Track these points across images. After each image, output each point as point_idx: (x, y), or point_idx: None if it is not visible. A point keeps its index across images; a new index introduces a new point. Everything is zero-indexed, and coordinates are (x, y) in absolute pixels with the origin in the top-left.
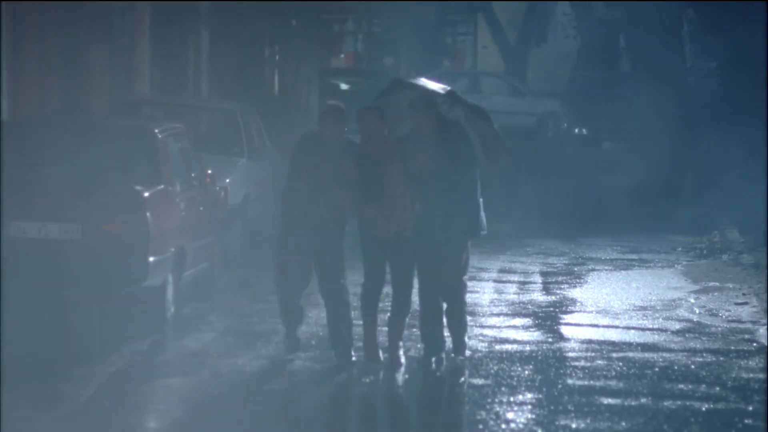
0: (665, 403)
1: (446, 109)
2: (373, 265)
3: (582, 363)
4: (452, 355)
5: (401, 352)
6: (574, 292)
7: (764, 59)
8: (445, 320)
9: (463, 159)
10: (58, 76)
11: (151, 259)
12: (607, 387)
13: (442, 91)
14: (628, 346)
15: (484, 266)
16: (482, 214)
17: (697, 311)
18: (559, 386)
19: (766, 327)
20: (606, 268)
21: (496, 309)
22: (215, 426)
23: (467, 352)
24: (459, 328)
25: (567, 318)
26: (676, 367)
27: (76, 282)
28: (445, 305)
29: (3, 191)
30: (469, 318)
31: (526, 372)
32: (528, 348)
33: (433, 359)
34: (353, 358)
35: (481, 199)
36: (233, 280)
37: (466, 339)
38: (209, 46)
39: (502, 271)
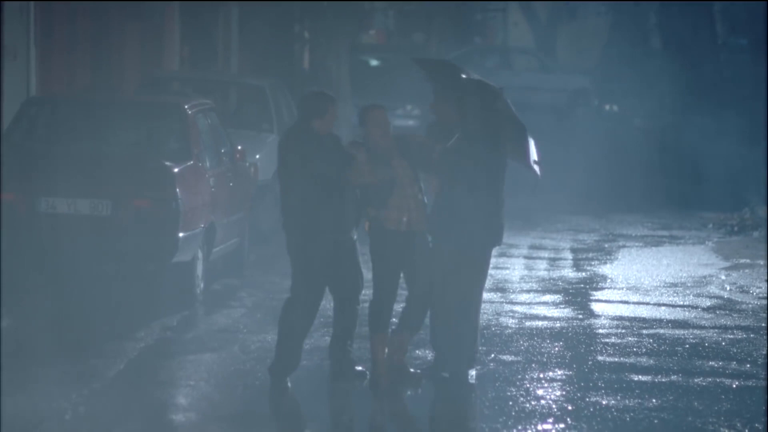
0: (696, 380)
1: (488, 106)
2: (387, 272)
3: (612, 340)
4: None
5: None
6: (605, 269)
7: None
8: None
9: (489, 157)
10: (87, 53)
11: (181, 234)
12: (638, 364)
13: (492, 90)
14: (659, 322)
15: (514, 242)
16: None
17: (728, 288)
18: (590, 363)
19: None
20: (636, 244)
21: (526, 285)
22: (244, 401)
23: (473, 372)
24: (470, 341)
25: (597, 294)
26: (706, 344)
27: (106, 258)
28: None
29: (33, 166)
30: (499, 294)
31: (556, 348)
32: (558, 324)
33: (446, 373)
34: (360, 368)
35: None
36: (263, 256)
37: (477, 350)
38: (239, 22)
39: (532, 247)
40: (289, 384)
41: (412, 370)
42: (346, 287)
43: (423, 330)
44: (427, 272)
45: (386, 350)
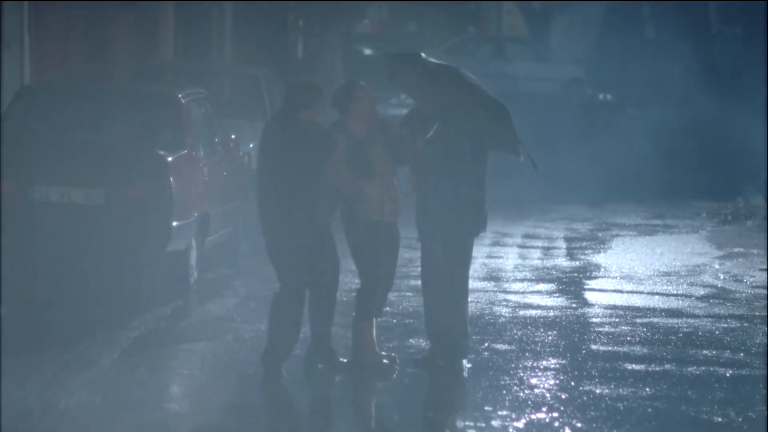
0: (689, 369)
1: (464, 94)
2: (375, 260)
3: (606, 329)
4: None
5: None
6: (599, 258)
7: None
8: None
9: (471, 145)
10: (81, 43)
11: (175, 224)
12: (631, 353)
13: (465, 76)
14: (653, 311)
15: (508, 231)
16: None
17: (722, 277)
18: (583, 352)
19: None
20: (630, 233)
21: (520, 274)
22: (238, 391)
23: (467, 364)
24: (451, 331)
25: (591, 283)
26: (700, 333)
27: (100, 247)
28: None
29: (27, 156)
30: (492, 283)
31: (550, 337)
32: (552, 313)
33: (441, 362)
34: (344, 360)
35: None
36: (257, 246)
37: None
38: (233, 11)
39: (526, 236)
40: (284, 372)
41: (384, 360)
42: (325, 274)
43: (417, 318)
44: (396, 252)
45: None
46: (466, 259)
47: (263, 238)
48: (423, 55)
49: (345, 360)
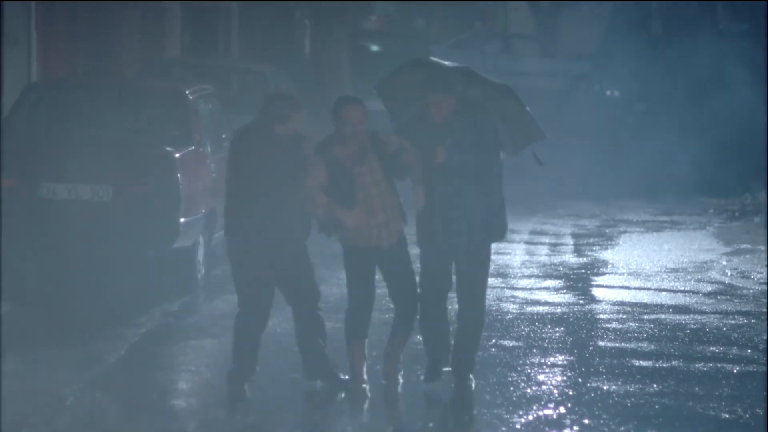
0: (697, 366)
1: (463, 89)
2: (360, 282)
3: (613, 325)
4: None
5: (400, 375)
6: (606, 254)
7: None
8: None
9: (488, 149)
10: (88, 39)
11: (182, 220)
12: (639, 349)
13: (458, 70)
14: (660, 308)
15: (515, 228)
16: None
17: (729, 273)
18: (591, 348)
19: None
20: (637, 230)
21: (527, 271)
22: (246, 387)
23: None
24: (472, 344)
25: (598, 280)
26: (707, 329)
27: (107, 243)
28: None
29: (34, 152)
30: (500, 280)
31: (558, 334)
32: (559, 310)
33: (444, 369)
34: (344, 377)
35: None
36: None
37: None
38: (239, 8)
39: (533, 232)
40: (246, 390)
41: (363, 385)
42: (300, 296)
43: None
44: (410, 273)
45: (364, 360)
46: (488, 268)
47: (227, 256)
48: (433, 58)
49: (347, 377)
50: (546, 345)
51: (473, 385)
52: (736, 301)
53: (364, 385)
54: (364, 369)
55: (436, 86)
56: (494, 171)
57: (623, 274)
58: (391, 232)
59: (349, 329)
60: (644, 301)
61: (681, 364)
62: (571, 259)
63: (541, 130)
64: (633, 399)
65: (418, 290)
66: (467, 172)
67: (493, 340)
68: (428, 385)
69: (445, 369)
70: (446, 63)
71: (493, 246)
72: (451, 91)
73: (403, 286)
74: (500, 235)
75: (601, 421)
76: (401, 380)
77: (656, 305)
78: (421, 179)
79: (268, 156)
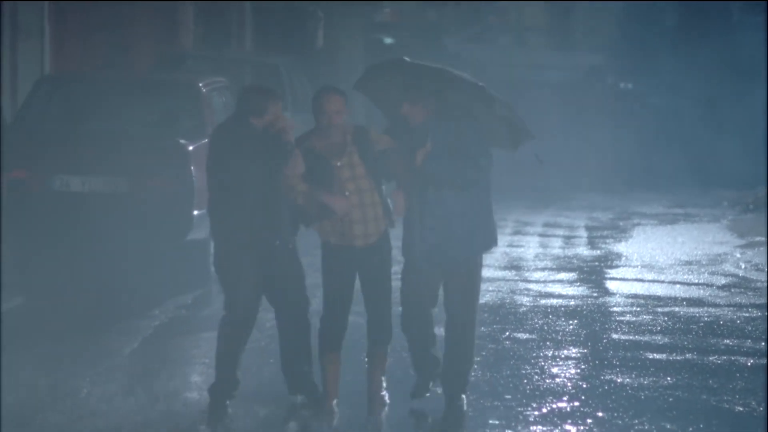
0: (710, 358)
1: (440, 93)
2: (334, 283)
3: (627, 318)
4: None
5: (385, 392)
6: (620, 247)
7: None
8: (443, 349)
9: (468, 155)
10: (101, 32)
11: (195, 212)
12: (652, 342)
13: (433, 73)
14: (674, 300)
15: (529, 220)
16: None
17: (743, 266)
18: (604, 341)
19: None
20: (651, 222)
21: (541, 263)
22: (259, 380)
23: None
24: (462, 362)
25: (612, 272)
26: (721, 322)
27: (120, 236)
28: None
29: (47, 145)
30: (513, 272)
31: (571, 326)
32: (573, 302)
33: (431, 383)
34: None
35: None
36: None
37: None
38: (252, 1)
39: (547, 225)
40: (228, 407)
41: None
42: (288, 302)
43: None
44: (387, 278)
45: (336, 373)
46: (478, 281)
47: (213, 254)
48: (407, 59)
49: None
50: (559, 338)
51: (464, 406)
52: (750, 293)
53: (335, 401)
54: (337, 383)
55: (407, 95)
56: (474, 178)
57: (637, 266)
58: (368, 232)
59: (321, 338)
60: (658, 293)
61: (695, 356)
62: (584, 251)
63: (530, 132)
64: (647, 392)
65: (403, 300)
66: (443, 179)
67: (507, 333)
68: (414, 401)
69: (436, 387)
70: (421, 65)
71: (506, 239)
72: (419, 101)
73: (375, 294)
74: (485, 245)
75: (615, 414)
76: (387, 401)
77: (670, 298)
78: (405, 184)
79: (246, 151)
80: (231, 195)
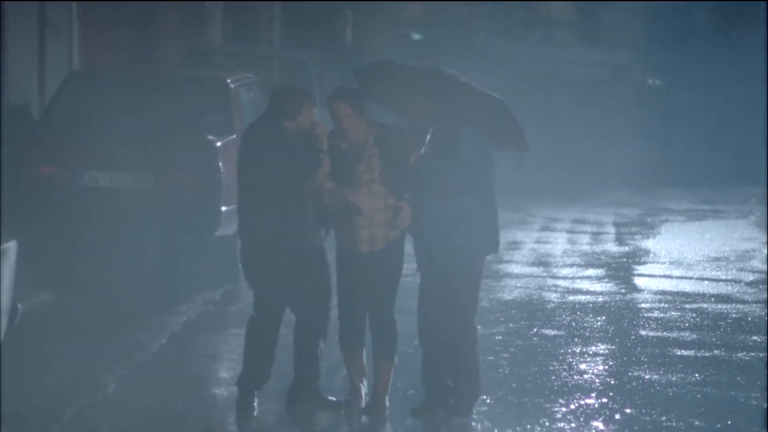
0: (739, 355)
1: (450, 96)
2: (344, 286)
3: (655, 314)
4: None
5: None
6: (647, 243)
7: None
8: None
9: (460, 160)
10: (130, 27)
11: (224, 208)
12: (681, 338)
13: (443, 77)
14: (702, 297)
15: (557, 216)
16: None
17: None
18: (632, 337)
19: None
20: (679, 218)
21: (569, 260)
22: (287, 375)
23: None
24: (468, 379)
25: (640, 269)
26: (749, 319)
27: (149, 232)
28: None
29: (76, 140)
30: (542, 268)
31: (599, 323)
32: (601, 299)
33: (441, 412)
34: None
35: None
36: None
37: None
38: None
39: (575, 221)
40: (255, 402)
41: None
42: (311, 305)
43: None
44: (396, 282)
45: (362, 373)
46: (476, 288)
47: (240, 255)
48: (396, 61)
49: (334, 399)
50: (587, 334)
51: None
52: None
53: (362, 400)
54: (363, 383)
55: (414, 89)
56: (465, 184)
57: (665, 263)
58: (376, 237)
59: (340, 337)
60: (686, 290)
61: (723, 353)
62: (612, 247)
63: (527, 148)
64: (675, 388)
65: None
66: (435, 184)
67: (535, 329)
68: (414, 417)
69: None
70: (412, 67)
71: (534, 235)
72: (429, 94)
73: (375, 302)
74: (484, 250)
75: (643, 411)
76: (387, 404)
77: (698, 294)
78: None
79: (278, 154)
80: (259, 198)
